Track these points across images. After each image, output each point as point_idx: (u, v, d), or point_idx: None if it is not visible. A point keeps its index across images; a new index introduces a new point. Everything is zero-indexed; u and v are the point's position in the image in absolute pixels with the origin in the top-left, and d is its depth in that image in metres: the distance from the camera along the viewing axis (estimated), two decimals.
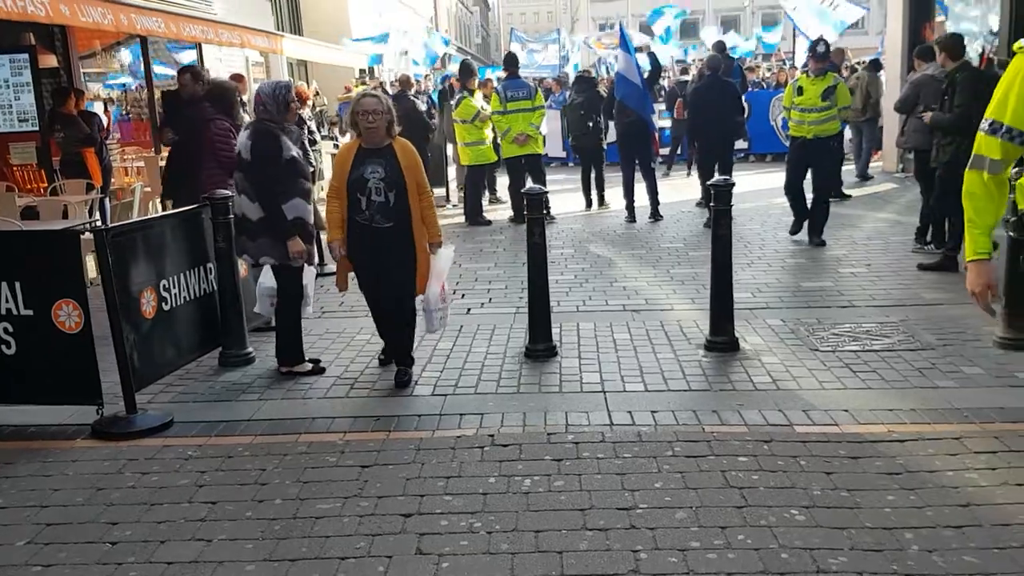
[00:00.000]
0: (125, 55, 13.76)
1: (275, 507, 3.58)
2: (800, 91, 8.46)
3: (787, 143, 9.58)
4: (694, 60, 21.84)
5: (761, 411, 4.41)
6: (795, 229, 8.84)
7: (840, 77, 8.22)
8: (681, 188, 13.05)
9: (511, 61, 11.26)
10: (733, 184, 5.39)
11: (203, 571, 3.12)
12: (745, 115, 11.64)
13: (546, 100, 12.31)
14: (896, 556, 3.06)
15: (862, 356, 5.18)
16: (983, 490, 3.51)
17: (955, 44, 7.33)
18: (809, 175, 8.69)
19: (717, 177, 5.85)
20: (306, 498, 3.65)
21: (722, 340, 5.42)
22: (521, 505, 3.53)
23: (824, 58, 8.58)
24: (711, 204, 5.51)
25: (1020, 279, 5.17)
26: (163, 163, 8.65)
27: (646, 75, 10.34)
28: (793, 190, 8.77)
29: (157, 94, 11.98)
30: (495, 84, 12.27)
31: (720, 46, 11.67)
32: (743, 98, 11.54)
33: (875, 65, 13.49)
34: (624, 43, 10.62)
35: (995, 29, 12.74)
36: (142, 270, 4.63)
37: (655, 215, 10.34)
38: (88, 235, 4.87)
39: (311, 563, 3.15)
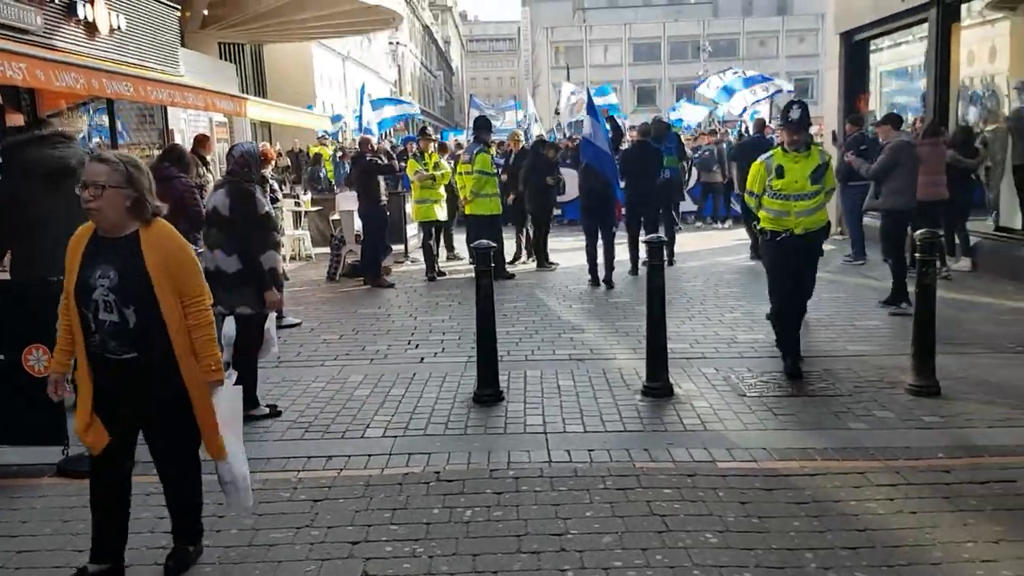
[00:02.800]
0: (91, 114, 14.06)
1: (231, 536, 3.84)
2: (780, 172, 6.12)
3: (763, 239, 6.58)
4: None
5: (688, 449, 4.77)
6: (795, 369, 6.19)
7: (827, 153, 6.67)
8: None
9: (474, 126, 11.76)
10: (665, 241, 5.83)
11: None
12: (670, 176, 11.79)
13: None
14: (795, 572, 3.41)
15: (784, 401, 5.59)
16: (880, 517, 3.89)
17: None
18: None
19: (652, 235, 6.25)
20: (260, 528, 3.91)
21: (657, 386, 5.80)
22: (462, 532, 3.83)
23: (803, 127, 6.22)
24: (646, 260, 5.94)
25: (927, 332, 5.63)
26: None
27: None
28: (788, 313, 6.35)
29: (123, 152, 12.24)
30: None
31: (657, 119, 12.48)
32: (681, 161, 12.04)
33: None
34: (591, 108, 10.81)
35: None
36: None
37: (608, 282, 10.28)
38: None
39: None
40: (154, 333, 3.27)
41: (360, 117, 17.40)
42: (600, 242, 10.44)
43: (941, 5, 11.55)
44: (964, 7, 11.61)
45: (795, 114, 6.18)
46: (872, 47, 14.50)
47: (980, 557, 3.50)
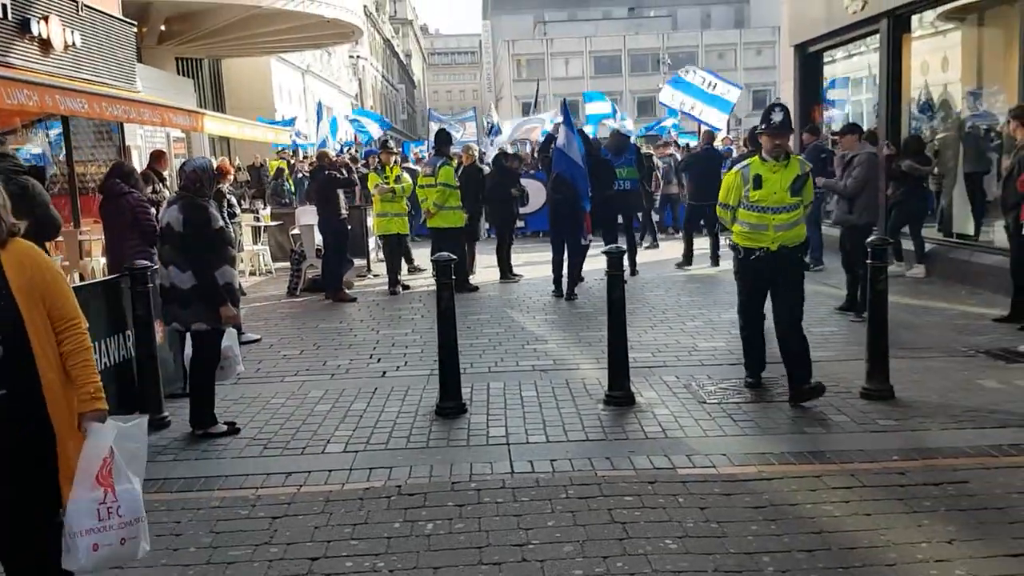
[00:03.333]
0: (47, 132, 13.85)
1: (189, 554, 3.79)
2: (758, 182, 5.70)
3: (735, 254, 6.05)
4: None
5: (649, 457, 4.80)
6: (755, 378, 6.11)
7: (808, 163, 6.19)
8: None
9: (436, 139, 11.74)
10: (623, 251, 5.88)
11: None
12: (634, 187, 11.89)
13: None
14: None
15: (743, 407, 5.65)
16: (836, 519, 3.95)
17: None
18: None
19: (612, 245, 6.29)
20: (218, 546, 3.86)
21: (619, 395, 5.83)
22: (423, 546, 3.81)
23: (786, 131, 5.79)
24: (606, 271, 5.98)
25: (880, 337, 5.73)
26: None
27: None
28: (756, 329, 6.05)
29: (78, 169, 12.11)
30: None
31: (616, 132, 12.58)
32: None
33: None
34: (567, 119, 10.59)
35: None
36: None
37: (571, 295, 10.22)
38: None
39: None
40: (26, 364, 2.82)
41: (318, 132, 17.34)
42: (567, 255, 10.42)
43: (892, 16, 11.81)
44: (915, 18, 11.89)
45: (778, 117, 5.70)
46: (826, 58, 14.78)
47: (934, 557, 3.56)
